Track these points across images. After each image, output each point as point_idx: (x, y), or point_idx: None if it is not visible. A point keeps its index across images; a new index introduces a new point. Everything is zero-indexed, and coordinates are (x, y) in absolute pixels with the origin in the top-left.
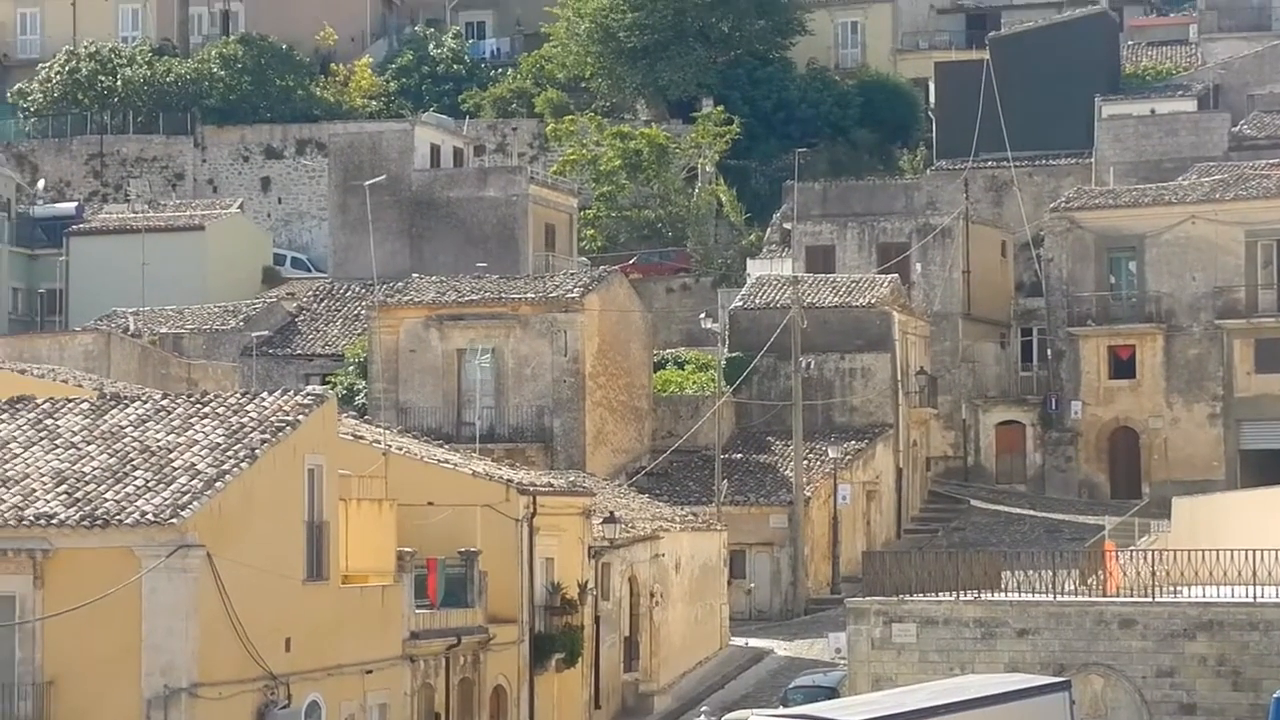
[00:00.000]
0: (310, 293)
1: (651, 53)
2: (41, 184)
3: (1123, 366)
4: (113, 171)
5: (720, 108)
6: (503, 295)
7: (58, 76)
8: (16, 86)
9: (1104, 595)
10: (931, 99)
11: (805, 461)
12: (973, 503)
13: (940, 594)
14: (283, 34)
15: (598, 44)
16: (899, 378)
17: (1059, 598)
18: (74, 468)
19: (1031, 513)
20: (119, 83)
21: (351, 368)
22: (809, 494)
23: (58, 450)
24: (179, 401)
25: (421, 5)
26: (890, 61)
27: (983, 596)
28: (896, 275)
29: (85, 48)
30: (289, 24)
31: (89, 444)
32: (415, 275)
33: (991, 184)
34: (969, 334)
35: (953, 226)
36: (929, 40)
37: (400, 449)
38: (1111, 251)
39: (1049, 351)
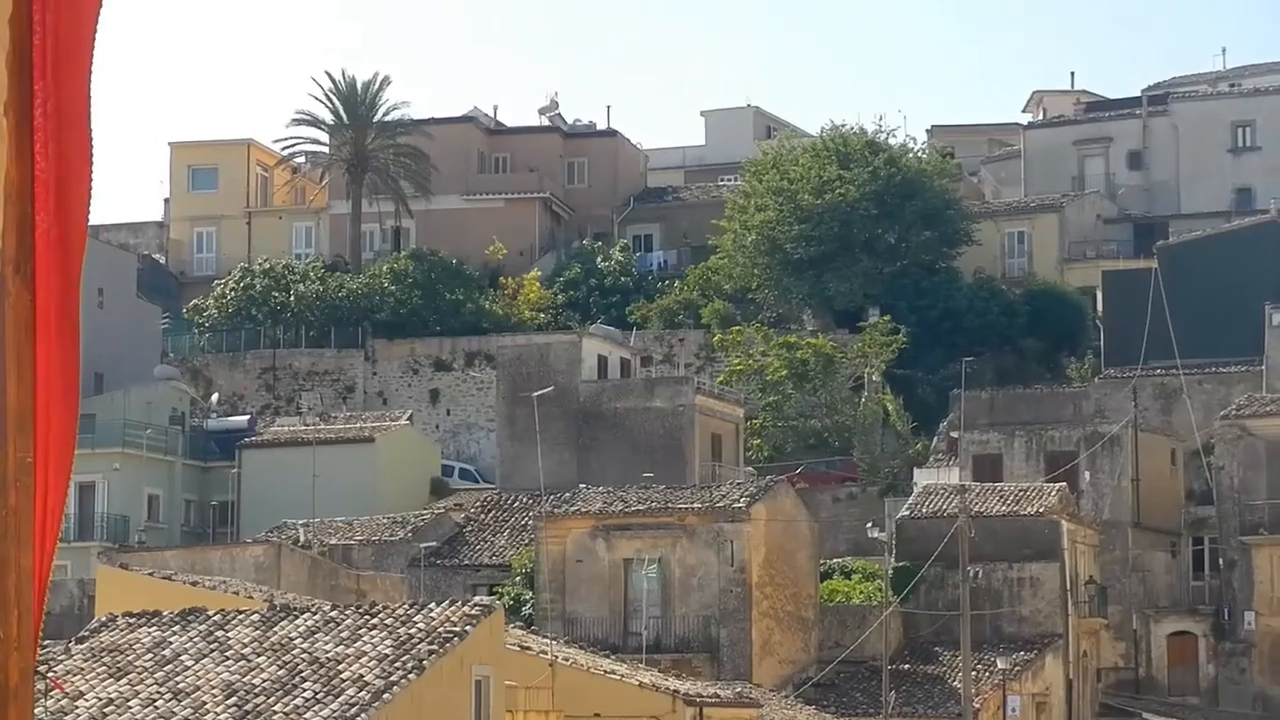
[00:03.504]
0: (478, 503)
1: (818, 264)
2: (215, 398)
3: None
4: (285, 385)
5: (886, 317)
6: (669, 505)
7: (232, 293)
8: (192, 303)
9: None
10: (1099, 307)
11: (974, 672)
12: (1145, 715)
13: None
14: (452, 249)
15: (764, 256)
16: (1068, 587)
17: None
18: (244, 679)
19: None
20: (292, 298)
21: (518, 578)
22: (978, 705)
23: (228, 662)
24: (347, 613)
25: (589, 219)
26: (1057, 270)
27: None
28: (1065, 484)
29: (259, 265)
30: (458, 240)
31: (259, 655)
32: (582, 485)
33: (1160, 392)
34: (1139, 543)
35: (1121, 435)
36: (1096, 249)
37: (567, 659)
38: None
39: (1221, 561)
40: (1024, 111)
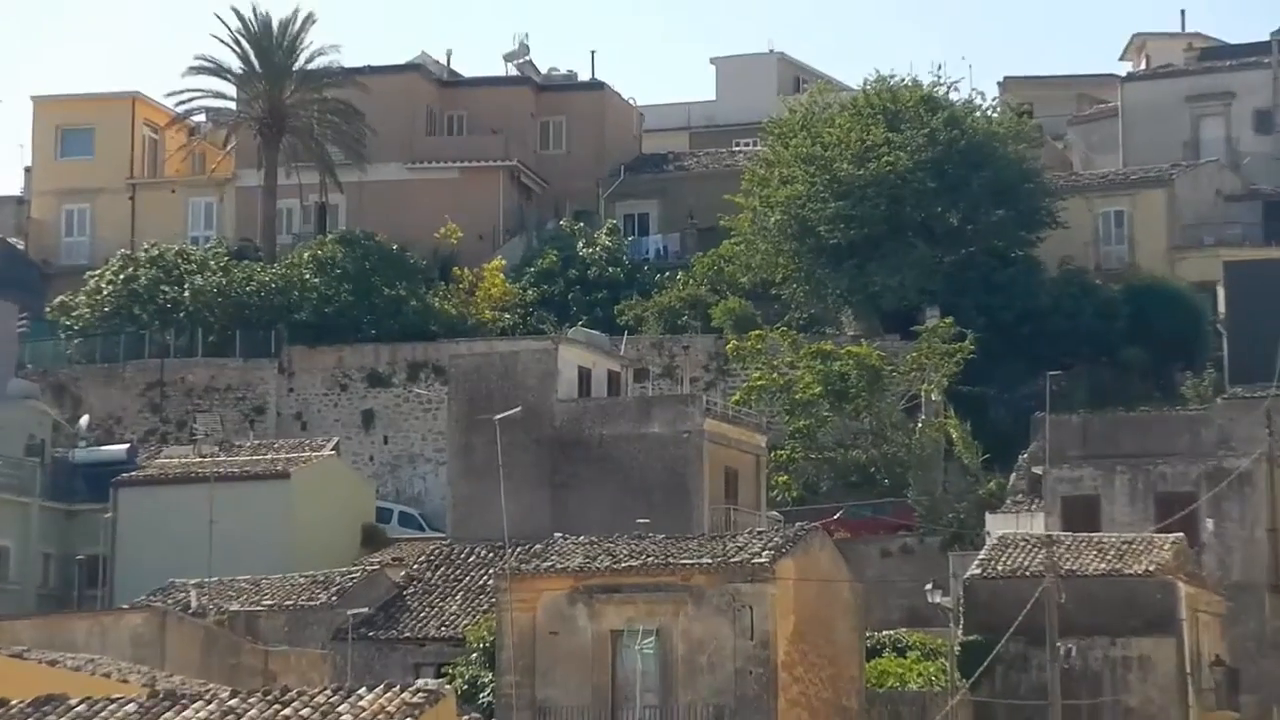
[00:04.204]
0: (423, 558)
1: (860, 251)
2: (85, 421)
3: None
4: (175, 404)
5: (949, 319)
6: (670, 561)
7: (110, 287)
8: (58, 300)
9: None
10: (1220, 308)
11: None
12: None
13: None
14: (393, 232)
15: (792, 240)
16: (1188, 670)
17: None
18: None
19: None
20: (186, 294)
21: (475, 655)
22: None
23: None
24: (252, 701)
25: (567, 194)
26: (1166, 261)
27: None
28: (1182, 535)
29: (145, 251)
30: (400, 220)
31: None
32: (558, 535)
33: None
34: (1278, 612)
35: (1253, 471)
36: (1216, 234)
37: None
38: None
39: None
40: (1122, 60)
